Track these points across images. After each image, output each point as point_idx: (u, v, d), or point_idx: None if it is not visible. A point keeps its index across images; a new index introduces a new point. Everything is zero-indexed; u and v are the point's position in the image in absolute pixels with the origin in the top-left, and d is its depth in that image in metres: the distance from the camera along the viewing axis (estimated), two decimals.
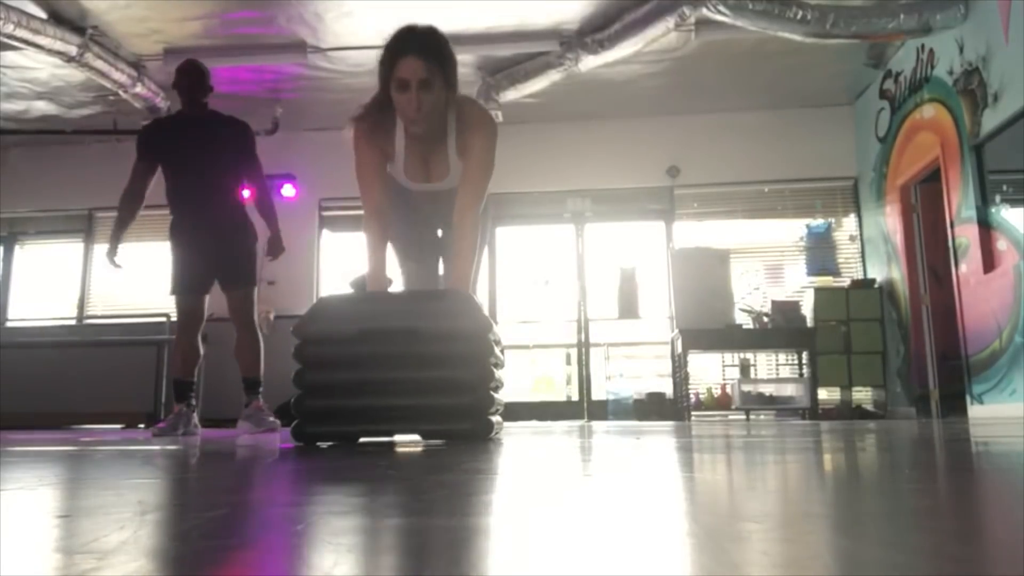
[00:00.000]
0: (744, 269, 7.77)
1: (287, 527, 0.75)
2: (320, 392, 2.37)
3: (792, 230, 7.93)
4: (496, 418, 2.64)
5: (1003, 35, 5.21)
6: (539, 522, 0.78)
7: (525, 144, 7.75)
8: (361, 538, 0.69)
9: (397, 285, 2.91)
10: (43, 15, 5.79)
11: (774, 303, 7.25)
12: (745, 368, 7.38)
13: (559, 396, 8.12)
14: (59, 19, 5.89)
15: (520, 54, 6.54)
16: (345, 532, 0.71)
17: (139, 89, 6.79)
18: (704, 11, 5.54)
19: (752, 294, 7.70)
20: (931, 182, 6.41)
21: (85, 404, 6.88)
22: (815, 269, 7.79)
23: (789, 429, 3.62)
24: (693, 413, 7.08)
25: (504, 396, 2.82)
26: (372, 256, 2.61)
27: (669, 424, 5.34)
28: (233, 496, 1.11)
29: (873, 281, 7.35)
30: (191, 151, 3.93)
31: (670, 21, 5.68)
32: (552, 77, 6.52)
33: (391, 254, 2.84)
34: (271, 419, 3.97)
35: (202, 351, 4.05)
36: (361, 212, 2.69)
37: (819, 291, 7.33)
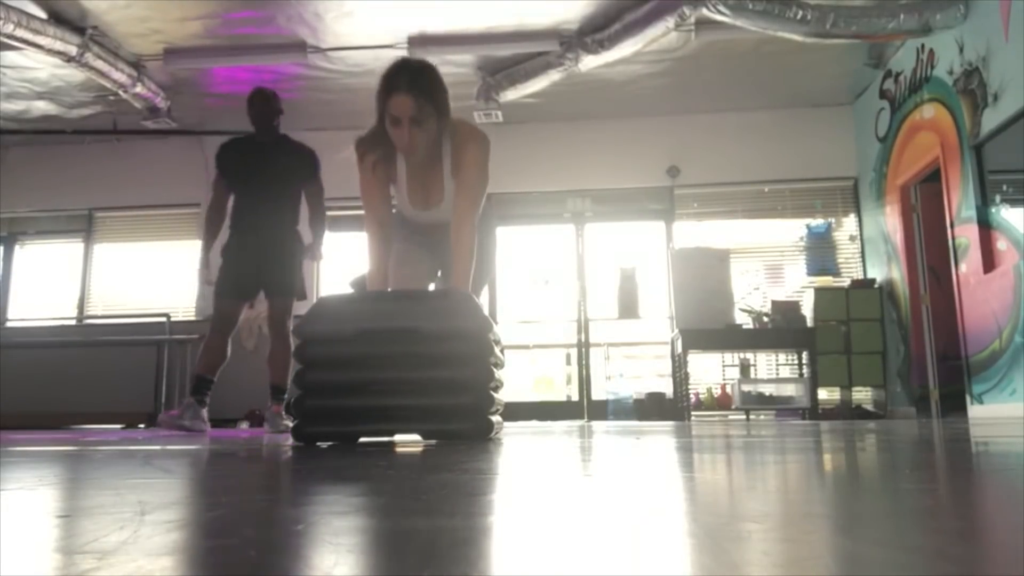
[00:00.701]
0: (744, 269, 7.77)
1: (287, 527, 0.75)
2: (320, 392, 2.37)
3: (792, 230, 7.93)
4: (496, 418, 2.64)
5: (1003, 35, 5.21)
6: (539, 522, 0.78)
7: (525, 144, 7.75)
8: (361, 538, 0.69)
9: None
10: (43, 15, 5.79)
11: (774, 303, 7.25)
12: (745, 368, 7.38)
13: (559, 396, 8.12)
14: (59, 19, 5.89)
15: (520, 54, 6.54)
16: (345, 532, 0.71)
17: (139, 89, 6.80)
18: (704, 11, 5.54)
19: (752, 294, 7.70)
20: (931, 182, 6.41)
21: (85, 404, 6.89)
22: (815, 269, 7.79)
23: (789, 429, 3.62)
24: (693, 413, 7.08)
25: (504, 396, 2.82)
26: (373, 256, 2.69)
27: (669, 424, 5.34)
28: (233, 496, 1.11)
29: (873, 281, 7.35)
30: (258, 176, 4.28)
31: (670, 21, 5.68)
32: (552, 77, 6.53)
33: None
34: (284, 423, 4.17)
35: (228, 355, 4.30)
36: (360, 212, 2.75)
37: (819, 291, 7.33)
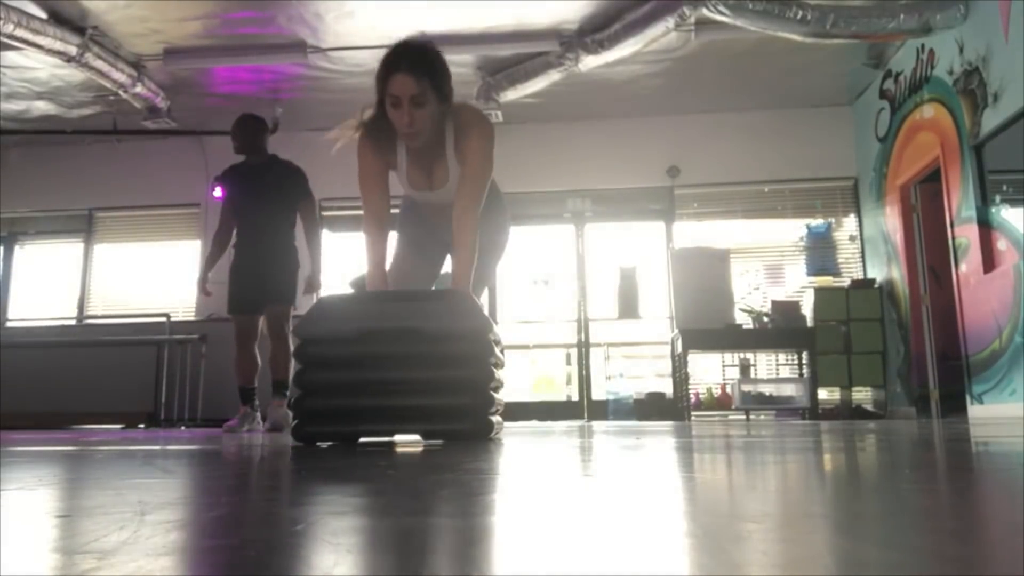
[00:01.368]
0: (744, 269, 7.77)
1: (287, 527, 0.75)
2: (320, 392, 2.37)
3: (792, 230, 7.93)
4: (496, 418, 2.64)
5: (1003, 35, 5.21)
6: (539, 522, 0.78)
7: (525, 144, 7.75)
8: (361, 538, 0.69)
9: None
10: (43, 15, 5.79)
11: (774, 303, 7.25)
12: (745, 368, 7.38)
13: (559, 396, 8.13)
14: (59, 19, 5.89)
15: (520, 54, 6.54)
16: (345, 532, 0.71)
17: (139, 89, 6.79)
18: (704, 11, 5.54)
19: (752, 294, 7.70)
20: (931, 182, 6.41)
21: (85, 404, 6.88)
22: (815, 269, 7.79)
23: (789, 429, 3.62)
24: (693, 413, 7.08)
25: (504, 396, 2.82)
26: (371, 256, 2.65)
27: (669, 424, 5.34)
28: (233, 496, 1.11)
29: (873, 281, 7.35)
30: (255, 198, 4.62)
31: (670, 21, 5.68)
32: (552, 77, 6.52)
33: (391, 249, 2.88)
34: (285, 415, 4.46)
35: (259, 360, 4.66)
36: (360, 212, 2.72)
37: (819, 291, 7.33)
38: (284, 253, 4.65)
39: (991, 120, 5.37)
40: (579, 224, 8.18)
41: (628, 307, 7.77)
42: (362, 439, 2.45)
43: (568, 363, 8.11)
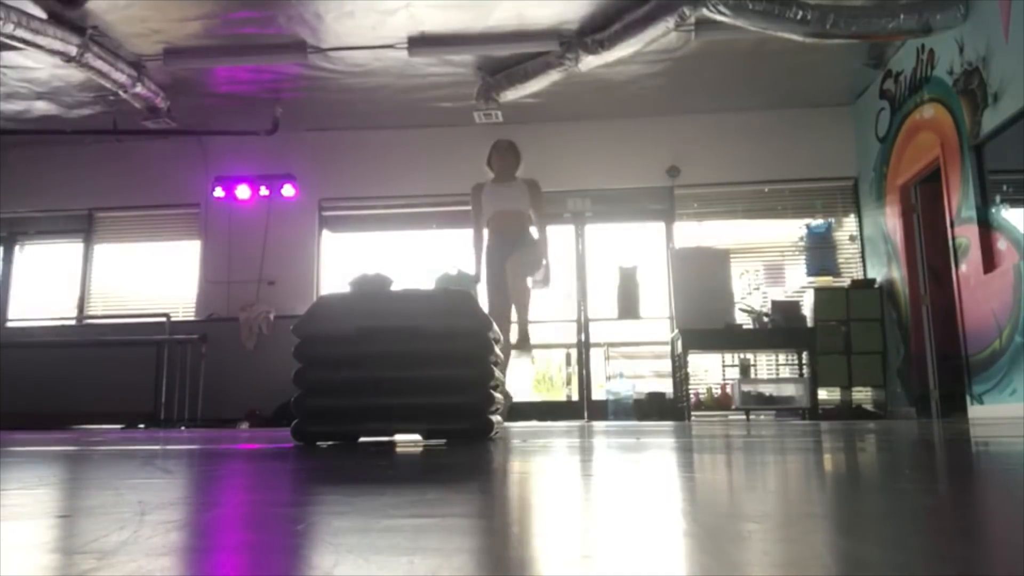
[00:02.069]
0: (744, 269, 7.77)
1: (287, 527, 0.75)
2: (320, 391, 2.37)
3: (792, 230, 7.92)
4: (496, 417, 2.64)
5: (1003, 35, 5.21)
6: (540, 522, 0.78)
7: (525, 144, 7.69)
8: (361, 538, 0.69)
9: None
10: (43, 15, 5.79)
11: (774, 303, 7.25)
12: (745, 368, 7.37)
13: (559, 396, 8.12)
14: (59, 19, 5.89)
15: (520, 54, 6.54)
16: (345, 532, 0.71)
17: (139, 89, 6.79)
18: (704, 11, 5.54)
19: (752, 294, 7.70)
20: (931, 182, 6.41)
21: (85, 404, 6.88)
22: (815, 269, 7.78)
23: (789, 429, 3.62)
24: (693, 413, 7.07)
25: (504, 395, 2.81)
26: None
27: (669, 424, 5.34)
28: (233, 496, 1.11)
29: (873, 281, 7.35)
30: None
31: (670, 21, 5.68)
32: (552, 77, 6.52)
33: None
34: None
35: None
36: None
37: (819, 291, 7.33)
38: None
39: (991, 120, 5.36)
40: (579, 224, 8.18)
41: (628, 307, 7.76)
42: (362, 439, 2.45)
43: (568, 363, 8.10)
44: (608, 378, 7.88)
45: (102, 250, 8.55)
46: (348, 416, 2.36)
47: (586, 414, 7.77)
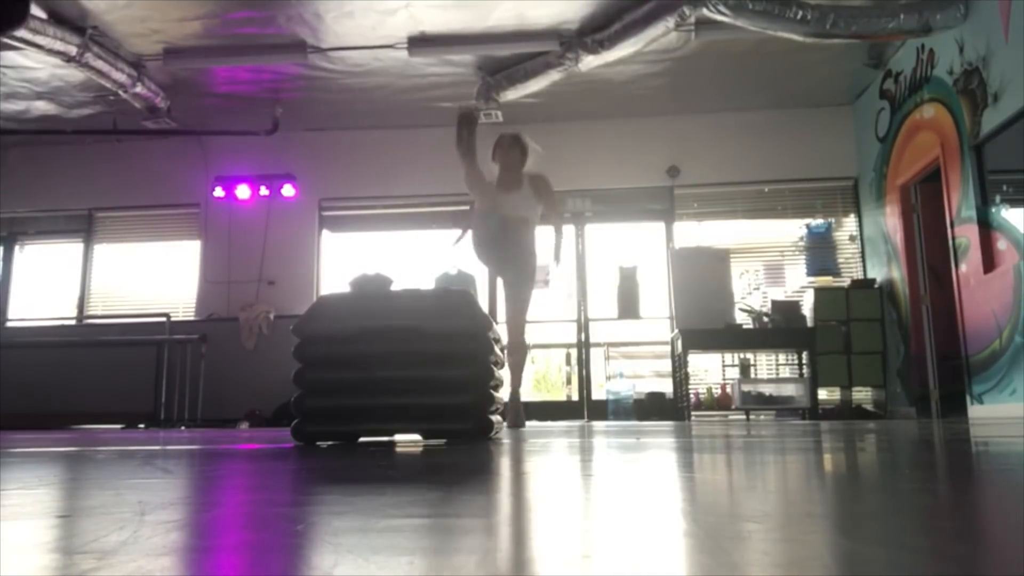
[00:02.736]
0: (744, 269, 7.77)
1: (287, 527, 0.75)
2: (320, 391, 2.37)
3: (792, 230, 7.92)
4: (496, 417, 2.64)
5: (1003, 35, 5.21)
6: (540, 522, 0.78)
7: None
8: (361, 538, 0.69)
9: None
10: (43, 15, 5.79)
11: (774, 303, 7.24)
12: (745, 368, 7.37)
13: (559, 396, 8.12)
14: (59, 19, 5.89)
15: (520, 54, 6.54)
16: (345, 532, 0.71)
17: (139, 89, 6.79)
18: (704, 11, 5.54)
19: (752, 294, 7.70)
20: (931, 182, 6.41)
21: (85, 404, 6.88)
22: (815, 269, 7.78)
23: (789, 429, 3.62)
24: (693, 413, 7.07)
25: (504, 395, 2.82)
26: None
27: (669, 424, 5.34)
28: (233, 496, 1.11)
29: (873, 281, 7.34)
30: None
31: (670, 21, 5.68)
32: (552, 77, 6.52)
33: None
34: None
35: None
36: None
37: (819, 291, 7.33)
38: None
39: (991, 120, 5.36)
40: (579, 224, 8.18)
41: (628, 307, 7.76)
42: (362, 439, 2.45)
43: (568, 363, 8.10)
44: (608, 378, 7.88)
45: (102, 250, 8.55)
46: (348, 416, 2.36)
47: (586, 414, 7.77)
